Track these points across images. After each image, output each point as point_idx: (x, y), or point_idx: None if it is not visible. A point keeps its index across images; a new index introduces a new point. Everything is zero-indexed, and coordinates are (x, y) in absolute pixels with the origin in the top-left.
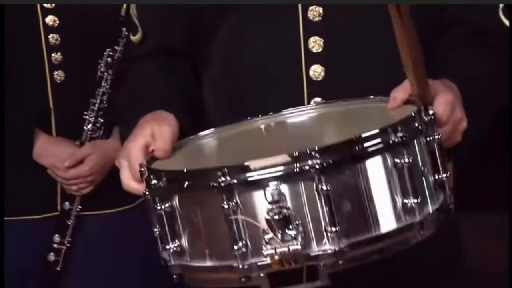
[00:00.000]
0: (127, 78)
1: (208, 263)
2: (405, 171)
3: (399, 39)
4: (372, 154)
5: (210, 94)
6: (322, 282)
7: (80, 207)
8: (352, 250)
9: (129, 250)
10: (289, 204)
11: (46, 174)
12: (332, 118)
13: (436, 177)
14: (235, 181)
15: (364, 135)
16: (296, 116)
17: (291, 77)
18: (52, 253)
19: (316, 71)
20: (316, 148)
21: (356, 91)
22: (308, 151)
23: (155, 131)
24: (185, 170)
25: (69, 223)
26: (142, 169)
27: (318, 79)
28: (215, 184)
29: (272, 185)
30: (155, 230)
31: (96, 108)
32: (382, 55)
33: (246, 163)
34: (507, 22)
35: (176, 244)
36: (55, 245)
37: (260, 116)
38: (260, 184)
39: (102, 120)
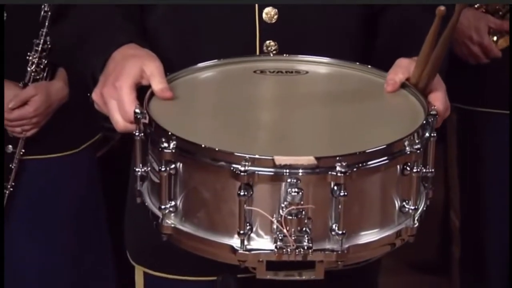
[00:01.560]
0: (73, 10)
1: (206, 235)
2: (413, 179)
3: (432, 34)
4: (390, 164)
5: (158, 33)
6: (317, 276)
7: (23, 150)
8: (353, 252)
9: (71, 195)
10: (305, 205)
11: None
12: (338, 87)
13: (424, 170)
14: (256, 171)
15: (382, 146)
16: (306, 64)
17: (243, 19)
18: None
19: (269, 13)
20: (341, 155)
21: (309, 35)
22: (334, 157)
23: (149, 68)
24: (203, 146)
25: (12, 167)
26: (138, 111)
27: (271, 22)
28: (235, 170)
29: (292, 183)
30: (137, 169)
31: (39, 49)
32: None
33: (272, 157)
34: None
35: (172, 204)
36: None
37: (271, 55)
38: (281, 180)
39: (45, 61)
